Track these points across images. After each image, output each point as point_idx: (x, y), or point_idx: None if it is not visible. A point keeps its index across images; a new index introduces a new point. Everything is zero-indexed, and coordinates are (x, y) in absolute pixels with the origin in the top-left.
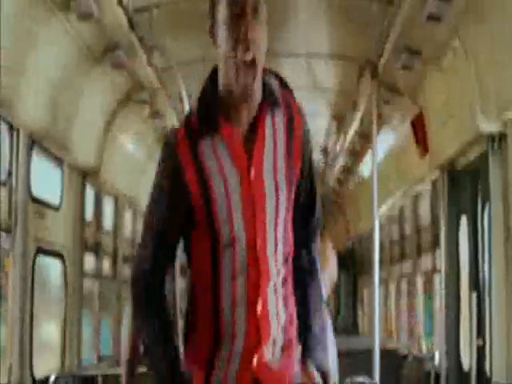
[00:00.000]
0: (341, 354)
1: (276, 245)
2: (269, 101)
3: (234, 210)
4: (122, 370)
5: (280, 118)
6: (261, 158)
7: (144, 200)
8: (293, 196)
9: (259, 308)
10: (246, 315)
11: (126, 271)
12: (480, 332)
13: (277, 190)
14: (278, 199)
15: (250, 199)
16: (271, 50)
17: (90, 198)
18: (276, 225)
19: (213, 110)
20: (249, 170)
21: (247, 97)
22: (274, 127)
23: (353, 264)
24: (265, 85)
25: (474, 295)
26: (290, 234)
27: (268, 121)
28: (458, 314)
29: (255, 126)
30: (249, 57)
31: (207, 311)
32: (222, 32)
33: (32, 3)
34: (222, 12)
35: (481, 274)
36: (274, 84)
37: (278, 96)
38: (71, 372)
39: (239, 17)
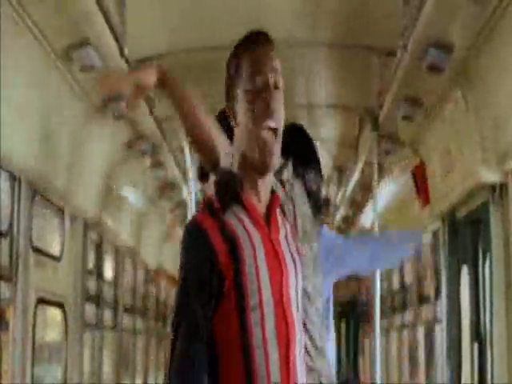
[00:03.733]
0: None
1: (297, 307)
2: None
3: (262, 278)
4: None
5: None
6: (277, 230)
7: (145, 250)
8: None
9: (291, 365)
10: (280, 370)
11: (126, 321)
12: (482, 382)
13: (294, 260)
14: (295, 267)
15: (274, 268)
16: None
17: (91, 248)
18: (296, 290)
19: (234, 186)
20: (270, 240)
21: (267, 168)
22: (283, 220)
23: (354, 313)
24: None
25: (476, 346)
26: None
27: (278, 205)
28: (459, 364)
29: (269, 208)
30: (272, 124)
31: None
32: (242, 102)
33: (33, 53)
34: (244, 82)
35: (482, 325)
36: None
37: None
38: None
39: (263, 89)
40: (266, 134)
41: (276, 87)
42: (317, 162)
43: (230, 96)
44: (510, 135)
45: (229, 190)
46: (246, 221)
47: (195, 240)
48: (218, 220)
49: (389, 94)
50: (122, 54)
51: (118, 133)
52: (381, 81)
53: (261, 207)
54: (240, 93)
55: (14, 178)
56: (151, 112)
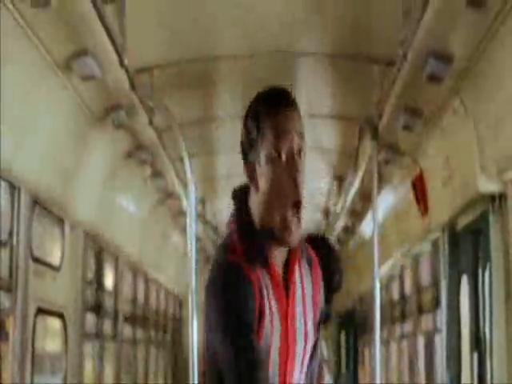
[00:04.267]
0: None
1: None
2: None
3: (274, 346)
4: None
5: (304, 260)
6: (294, 306)
7: (145, 259)
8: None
9: None
10: None
11: (126, 331)
12: None
13: (306, 338)
14: (305, 346)
15: (285, 342)
16: None
17: (90, 258)
18: (302, 365)
19: (262, 250)
20: (286, 314)
21: (286, 244)
22: (302, 272)
23: (353, 324)
24: None
25: (475, 355)
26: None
27: (297, 264)
28: (459, 373)
29: (288, 267)
30: (297, 200)
31: None
32: (265, 169)
33: (33, 63)
34: (267, 148)
35: (482, 334)
36: None
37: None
38: None
39: (287, 156)
40: (290, 211)
41: (300, 156)
42: (341, 271)
43: (249, 156)
44: (510, 145)
45: (256, 251)
46: (270, 289)
47: (235, 278)
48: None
49: (388, 103)
50: (121, 63)
51: (117, 142)
52: (381, 91)
53: (279, 267)
54: (262, 157)
55: (14, 188)
56: (151, 122)
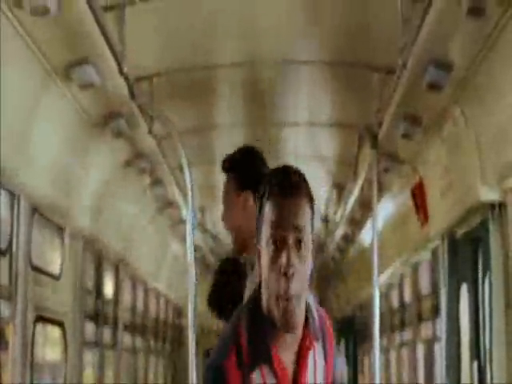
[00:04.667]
0: None
1: None
2: (310, 327)
3: None
4: None
5: (317, 339)
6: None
7: (144, 268)
8: None
9: None
10: None
11: (126, 340)
12: None
13: None
14: None
15: None
16: (272, 119)
17: (89, 266)
18: None
19: (264, 337)
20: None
21: (288, 331)
22: (314, 354)
23: (353, 332)
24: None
25: (475, 364)
26: None
27: (311, 351)
28: (458, 382)
29: (301, 350)
30: (289, 293)
31: None
32: (264, 255)
33: (32, 71)
34: (266, 228)
35: (482, 343)
36: (311, 301)
37: (315, 317)
38: None
39: (281, 247)
40: (283, 304)
41: (299, 247)
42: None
43: (257, 234)
44: (510, 153)
45: (260, 345)
46: (271, 380)
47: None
48: (244, 368)
49: (388, 111)
50: (121, 72)
51: (117, 151)
52: (380, 99)
53: (291, 349)
54: (262, 240)
55: (13, 196)
56: (150, 130)
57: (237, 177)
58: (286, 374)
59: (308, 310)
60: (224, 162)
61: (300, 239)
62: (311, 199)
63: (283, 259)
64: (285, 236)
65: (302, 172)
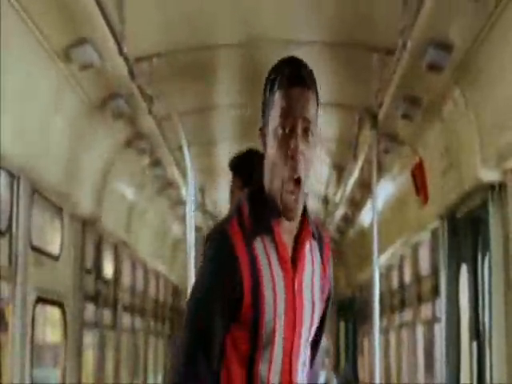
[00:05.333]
0: None
1: (304, 353)
2: (309, 219)
3: (278, 315)
4: None
5: (315, 241)
6: (302, 274)
7: (144, 249)
8: (321, 315)
9: None
10: None
11: (126, 320)
12: (481, 382)
13: (313, 307)
14: (313, 314)
15: (291, 309)
16: None
17: (89, 247)
18: (307, 339)
19: (266, 214)
20: (293, 281)
21: (288, 218)
22: (311, 247)
23: (353, 313)
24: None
25: (475, 344)
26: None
27: (308, 239)
28: (458, 363)
29: (298, 240)
30: (295, 176)
31: None
32: (272, 140)
33: (32, 52)
34: (273, 119)
35: (481, 323)
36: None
37: (311, 217)
38: None
39: (290, 134)
40: (288, 186)
41: (306, 134)
42: None
43: (263, 120)
44: (510, 134)
45: (262, 218)
46: (273, 259)
47: (220, 246)
48: (246, 236)
49: (388, 92)
50: (120, 52)
51: (116, 131)
52: (380, 80)
53: (289, 238)
54: (270, 128)
55: (13, 178)
56: (150, 111)
57: (241, 176)
58: (286, 250)
59: (306, 209)
60: (230, 162)
61: (307, 128)
62: (317, 93)
63: (292, 145)
64: (294, 124)
65: (306, 63)
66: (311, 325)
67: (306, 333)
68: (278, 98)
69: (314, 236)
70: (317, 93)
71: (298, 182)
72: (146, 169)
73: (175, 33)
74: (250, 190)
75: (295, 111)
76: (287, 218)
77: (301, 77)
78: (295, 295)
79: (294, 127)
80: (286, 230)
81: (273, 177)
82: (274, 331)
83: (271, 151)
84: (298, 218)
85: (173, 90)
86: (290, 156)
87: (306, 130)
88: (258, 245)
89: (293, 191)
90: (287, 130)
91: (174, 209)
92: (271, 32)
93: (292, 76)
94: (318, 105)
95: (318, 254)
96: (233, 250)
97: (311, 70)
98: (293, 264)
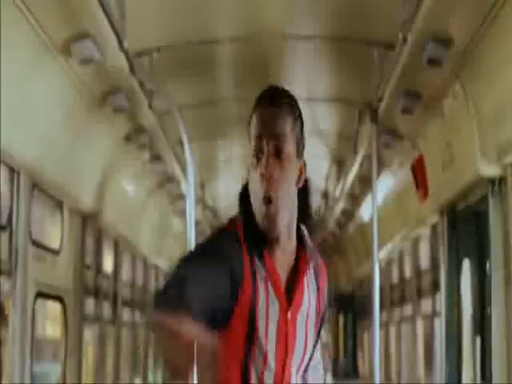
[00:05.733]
0: None
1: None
2: (305, 247)
3: (270, 339)
4: None
5: (312, 267)
6: (298, 308)
7: (144, 243)
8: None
9: None
10: None
11: (125, 315)
12: (485, 377)
13: (306, 340)
14: (305, 347)
15: (283, 336)
16: None
17: (89, 241)
18: (299, 368)
19: (258, 240)
20: (286, 313)
21: (273, 237)
22: (308, 278)
23: (353, 308)
24: (299, 229)
25: (478, 339)
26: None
27: (307, 268)
28: (458, 357)
29: (296, 269)
30: (266, 195)
31: None
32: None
33: (32, 46)
34: (251, 139)
35: (482, 318)
36: (305, 232)
37: (309, 243)
38: None
39: (261, 154)
40: (262, 207)
41: (279, 156)
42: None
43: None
44: (510, 129)
45: (254, 246)
46: (269, 284)
47: (228, 235)
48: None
49: (388, 87)
50: (121, 46)
51: (117, 126)
52: (380, 74)
53: (285, 267)
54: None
55: (13, 172)
56: (150, 105)
57: None
58: (278, 281)
59: (302, 234)
60: None
61: (279, 147)
62: (295, 110)
63: (262, 162)
64: (264, 144)
65: (286, 89)
66: (304, 355)
67: (298, 362)
68: (252, 120)
69: (310, 266)
70: (295, 111)
71: (269, 201)
72: (146, 163)
73: (175, 27)
74: (241, 213)
75: (265, 129)
76: (271, 238)
77: (272, 96)
78: (288, 327)
79: (264, 146)
80: (280, 259)
81: (253, 199)
82: (265, 355)
83: (250, 178)
84: (293, 246)
85: (173, 84)
86: (260, 174)
87: (277, 150)
88: (259, 262)
89: (266, 212)
90: (260, 152)
91: (174, 203)
92: (271, 26)
93: (263, 98)
94: (297, 124)
95: (313, 282)
96: (242, 248)
97: (287, 92)
98: (288, 295)
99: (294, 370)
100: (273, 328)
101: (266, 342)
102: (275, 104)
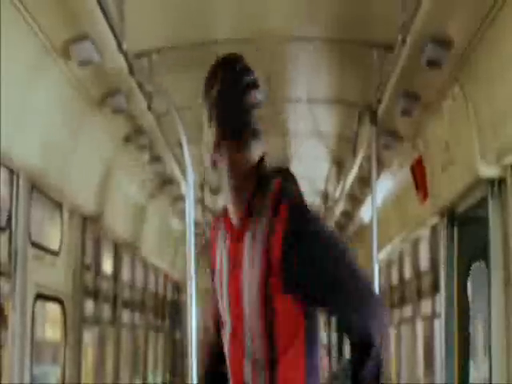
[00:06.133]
0: None
1: (249, 329)
2: (258, 200)
3: (223, 297)
4: None
5: (264, 218)
6: (242, 258)
7: (145, 244)
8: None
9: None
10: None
11: (125, 317)
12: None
13: (250, 286)
14: (251, 294)
15: (232, 292)
16: (273, 96)
17: (89, 243)
18: (250, 315)
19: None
20: (233, 267)
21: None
22: (256, 227)
23: None
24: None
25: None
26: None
27: (252, 222)
28: (459, 359)
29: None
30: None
31: None
32: None
33: (31, 48)
34: None
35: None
36: (272, 184)
37: (267, 198)
38: None
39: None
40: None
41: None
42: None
43: None
44: (509, 130)
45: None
46: (224, 244)
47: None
48: (215, 227)
49: (388, 88)
50: (120, 48)
51: (116, 127)
52: (380, 76)
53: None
54: None
55: (12, 174)
56: (149, 106)
57: None
58: (229, 243)
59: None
60: None
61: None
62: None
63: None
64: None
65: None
66: (250, 308)
67: (247, 311)
68: None
69: (262, 207)
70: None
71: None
72: (146, 165)
73: (175, 29)
74: None
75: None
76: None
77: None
78: (232, 281)
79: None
80: (236, 214)
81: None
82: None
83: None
84: (245, 202)
85: (172, 85)
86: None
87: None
88: (220, 237)
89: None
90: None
91: (173, 204)
92: (271, 28)
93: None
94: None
95: (262, 232)
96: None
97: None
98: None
99: (246, 323)
100: (224, 286)
101: (221, 298)
102: (219, 64)
